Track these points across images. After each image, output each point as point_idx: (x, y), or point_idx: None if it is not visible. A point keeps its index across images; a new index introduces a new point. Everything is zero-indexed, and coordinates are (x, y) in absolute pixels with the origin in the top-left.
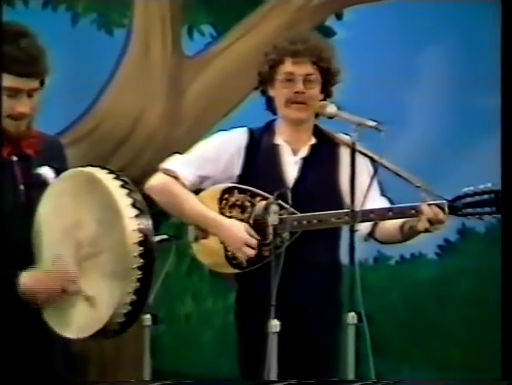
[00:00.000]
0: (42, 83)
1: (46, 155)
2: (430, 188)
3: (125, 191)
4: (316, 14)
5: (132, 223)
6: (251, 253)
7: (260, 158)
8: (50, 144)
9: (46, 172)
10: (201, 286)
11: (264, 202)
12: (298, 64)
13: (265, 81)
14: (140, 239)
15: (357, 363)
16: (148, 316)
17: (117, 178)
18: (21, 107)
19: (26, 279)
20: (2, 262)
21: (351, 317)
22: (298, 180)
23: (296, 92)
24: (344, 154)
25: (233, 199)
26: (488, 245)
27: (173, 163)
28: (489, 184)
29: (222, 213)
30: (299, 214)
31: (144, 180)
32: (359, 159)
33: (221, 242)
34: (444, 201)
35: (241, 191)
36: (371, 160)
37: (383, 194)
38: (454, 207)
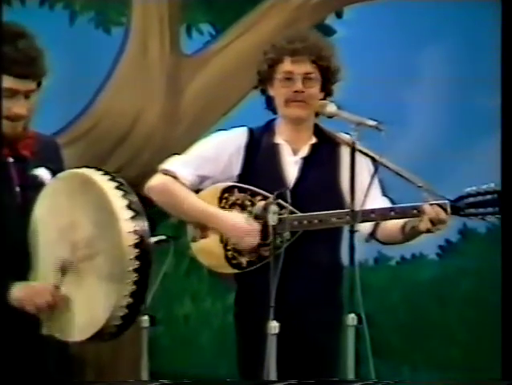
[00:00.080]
0: (39, 85)
1: (43, 156)
2: (432, 188)
3: (121, 192)
4: (316, 13)
5: (128, 225)
6: (253, 241)
7: (260, 157)
8: (47, 145)
9: (42, 173)
10: (199, 287)
11: (263, 202)
12: (297, 63)
13: (264, 80)
14: (136, 241)
15: (357, 365)
16: (145, 317)
17: (113, 179)
18: (18, 108)
19: (15, 291)
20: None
21: (351, 318)
22: (299, 180)
23: (295, 91)
24: (345, 153)
25: (233, 198)
26: (489, 245)
27: (172, 163)
28: (492, 185)
29: None
30: (299, 214)
31: (143, 179)
32: (360, 158)
33: (221, 239)
34: (447, 201)
35: (241, 190)
36: (372, 159)
37: (384, 194)
38: (457, 207)
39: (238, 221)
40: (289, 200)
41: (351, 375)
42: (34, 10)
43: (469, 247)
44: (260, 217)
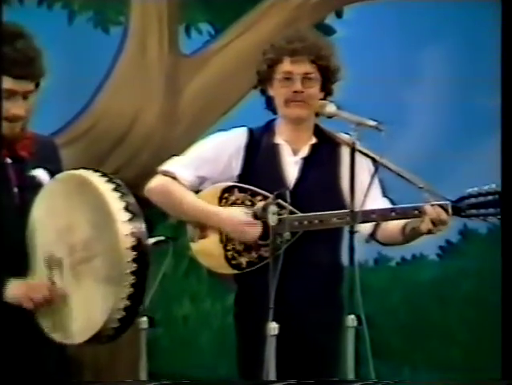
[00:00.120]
0: (37, 85)
1: (41, 156)
2: (433, 188)
3: (118, 194)
4: (316, 12)
5: (125, 227)
6: (255, 232)
7: (260, 158)
8: (44, 145)
9: (40, 173)
10: (199, 288)
11: (263, 202)
12: (296, 63)
13: (264, 80)
14: (133, 244)
15: (358, 366)
16: (144, 319)
17: (110, 181)
18: (16, 109)
19: (12, 288)
20: None
21: (351, 319)
22: (299, 181)
23: (295, 91)
24: (345, 154)
25: (233, 198)
26: (490, 246)
27: (172, 164)
28: (494, 185)
29: None
30: (300, 214)
31: (142, 180)
32: (360, 158)
33: (221, 239)
34: (448, 202)
35: (241, 190)
36: (373, 160)
37: (384, 195)
38: (458, 208)
39: (238, 215)
40: (288, 201)
41: (351, 376)
42: (32, 9)
43: (469, 247)
44: (260, 218)
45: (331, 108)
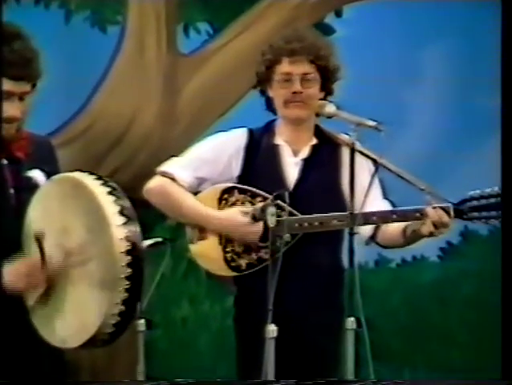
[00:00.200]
0: (33, 86)
1: (37, 157)
2: (434, 190)
3: (113, 198)
4: (315, 12)
5: (120, 231)
6: (257, 231)
7: (260, 159)
8: (41, 146)
9: (36, 175)
10: (197, 290)
11: (261, 204)
12: (295, 63)
13: (263, 81)
14: (128, 248)
15: (358, 368)
16: (141, 321)
17: (105, 184)
18: (12, 110)
19: (4, 274)
20: None
21: (351, 322)
22: (299, 182)
23: (294, 92)
24: (346, 155)
25: (232, 199)
26: (490, 247)
27: (171, 165)
28: (496, 188)
29: None
30: (300, 216)
31: (140, 181)
32: (361, 159)
33: (220, 241)
34: (450, 204)
35: (241, 191)
36: (374, 161)
37: (385, 197)
38: (460, 210)
39: (235, 216)
40: (287, 202)
41: (350, 378)
42: (29, 8)
43: (470, 249)
44: (258, 219)
45: (330, 108)
